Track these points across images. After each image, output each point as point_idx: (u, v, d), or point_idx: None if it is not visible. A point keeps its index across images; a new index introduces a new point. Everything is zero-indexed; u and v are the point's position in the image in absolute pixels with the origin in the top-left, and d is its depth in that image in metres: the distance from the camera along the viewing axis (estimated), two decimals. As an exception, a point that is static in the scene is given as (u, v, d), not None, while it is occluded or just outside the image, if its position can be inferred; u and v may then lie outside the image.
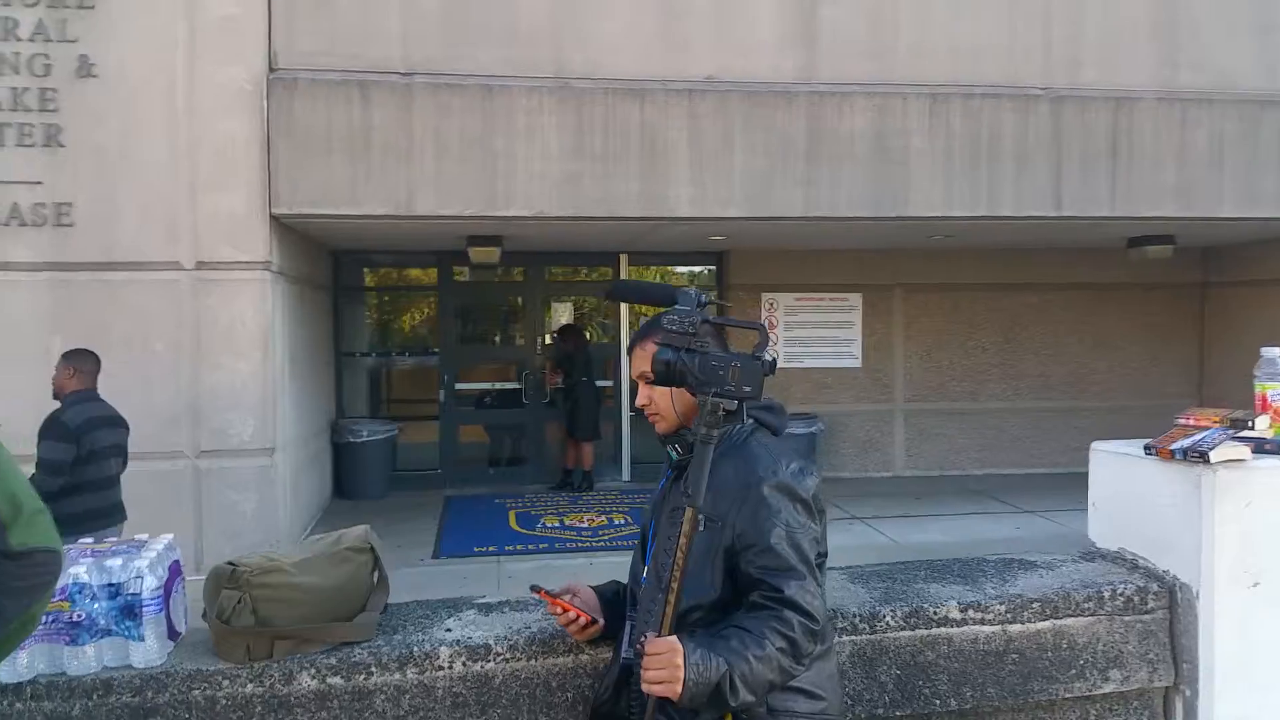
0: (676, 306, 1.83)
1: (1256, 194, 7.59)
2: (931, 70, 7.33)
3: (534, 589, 1.97)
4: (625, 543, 7.45)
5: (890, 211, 7.27)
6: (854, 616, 2.20)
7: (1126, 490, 2.50)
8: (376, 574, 2.17)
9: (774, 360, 1.80)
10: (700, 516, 1.88)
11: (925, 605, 2.23)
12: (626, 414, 10.16)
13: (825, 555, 1.97)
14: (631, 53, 6.99)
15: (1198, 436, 2.33)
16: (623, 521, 8.22)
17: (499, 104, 6.77)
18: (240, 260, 6.59)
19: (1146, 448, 2.39)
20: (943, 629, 2.21)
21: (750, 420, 1.98)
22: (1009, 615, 2.25)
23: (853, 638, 2.19)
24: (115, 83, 6.36)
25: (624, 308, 10.25)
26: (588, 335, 9.99)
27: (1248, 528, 2.27)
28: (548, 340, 10.20)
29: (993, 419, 10.38)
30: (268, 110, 6.55)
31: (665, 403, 1.99)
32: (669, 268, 10.90)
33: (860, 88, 7.21)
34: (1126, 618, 2.31)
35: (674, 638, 1.70)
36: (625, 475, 10.16)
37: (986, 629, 2.23)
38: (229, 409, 6.59)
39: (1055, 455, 10.25)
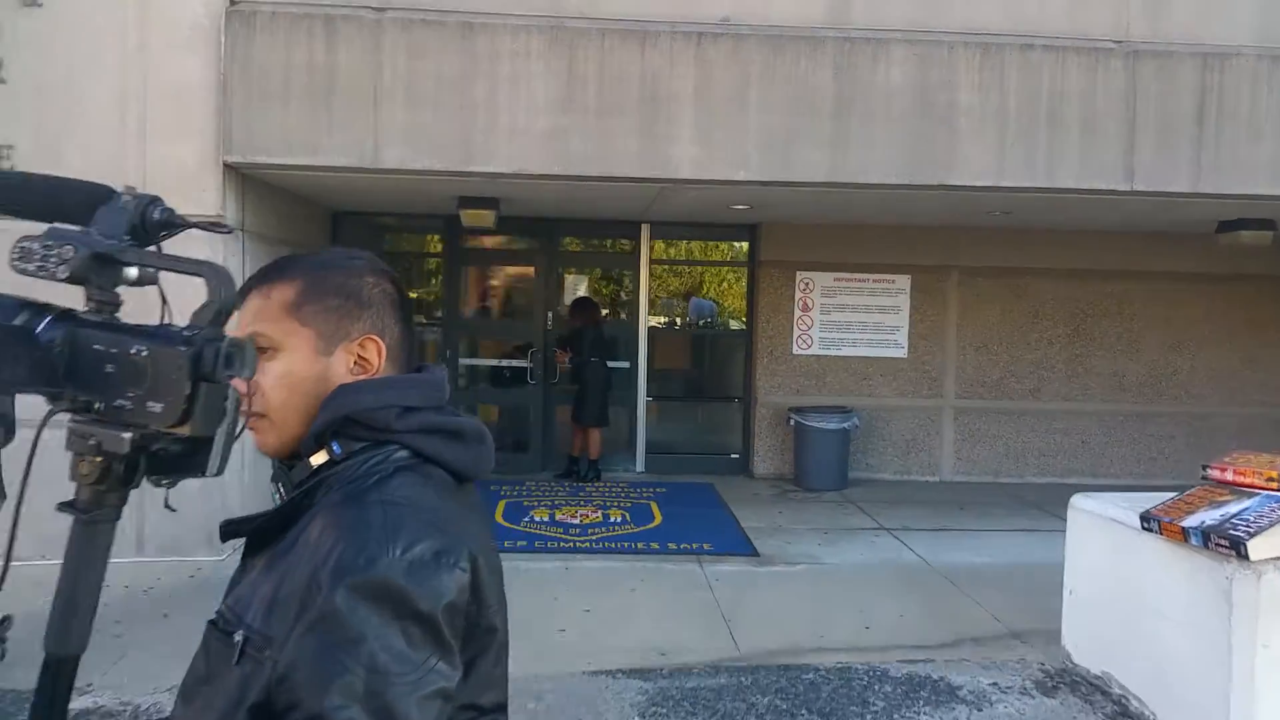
0: (61, 227, 0.94)
1: (1379, 171, 6.32)
2: (985, 17, 6.27)
3: None
4: (614, 544, 6.69)
5: (930, 179, 6.28)
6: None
7: (1118, 578, 1.58)
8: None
9: (231, 353, 0.92)
10: (238, 637, 1.04)
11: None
12: (643, 399, 9.34)
13: (499, 710, 1.12)
14: (636, -12, 6.14)
15: (1232, 507, 1.40)
16: (619, 519, 7.41)
17: (480, 45, 6.01)
18: (191, 215, 5.97)
19: (1145, 518, 1.46)
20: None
21: (401, 451, 1.11)
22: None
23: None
24: (61, 13, 5.83)
25: (644, 269, 9.35)
26: (602, 311, 9.14)
27: (1308, 671, 1.34)
28: (564, 316, 9.41)
29: (1056, 421, 9.23)
30: (224, 47, 5.93)
31: (280, 395, 1.14)
32: (702, 242, 9.99)
33: (900, 34, 6.21)
34: (1091, 802, 1.41)
35: None
36: (640, 466, 9.34)
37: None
38: (184, 380, 6.09)
39: (1128, 464, 9.17)
